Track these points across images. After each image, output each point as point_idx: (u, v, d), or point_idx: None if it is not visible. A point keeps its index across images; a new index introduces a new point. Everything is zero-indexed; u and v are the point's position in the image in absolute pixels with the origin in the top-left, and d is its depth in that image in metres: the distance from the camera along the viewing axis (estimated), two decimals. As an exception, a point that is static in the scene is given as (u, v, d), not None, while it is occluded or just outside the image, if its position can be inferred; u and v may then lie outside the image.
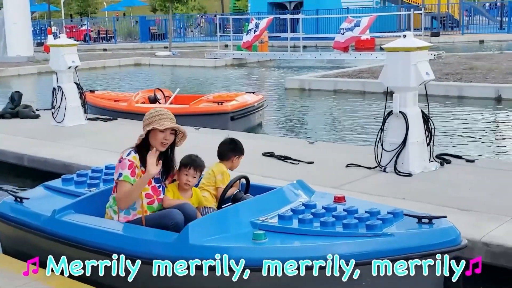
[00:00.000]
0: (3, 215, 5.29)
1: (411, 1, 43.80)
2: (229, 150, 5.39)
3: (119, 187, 4.73)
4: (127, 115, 11.74)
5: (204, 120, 10.98)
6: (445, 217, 4.30)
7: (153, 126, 4.69)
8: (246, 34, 28.62)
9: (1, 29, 31.14)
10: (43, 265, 4.66)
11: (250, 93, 12.90)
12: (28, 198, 5.35)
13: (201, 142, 7.99)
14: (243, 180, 5.22)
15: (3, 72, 25.71)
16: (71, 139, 9.75)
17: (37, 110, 12.74)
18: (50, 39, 22.77)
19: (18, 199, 5.29)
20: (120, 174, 4.71)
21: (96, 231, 4.56)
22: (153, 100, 12.59)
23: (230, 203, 4.89)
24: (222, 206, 4.88)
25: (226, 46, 33.53)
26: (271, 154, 8.35)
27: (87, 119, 11.41)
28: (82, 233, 4.62)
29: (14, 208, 5.25)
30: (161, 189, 4.89)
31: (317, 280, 3.98)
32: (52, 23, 50.98)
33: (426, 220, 4.19)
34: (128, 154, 4.78)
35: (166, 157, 4.91)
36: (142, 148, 4.78)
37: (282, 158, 8.16)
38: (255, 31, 27.92)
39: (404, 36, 7.22)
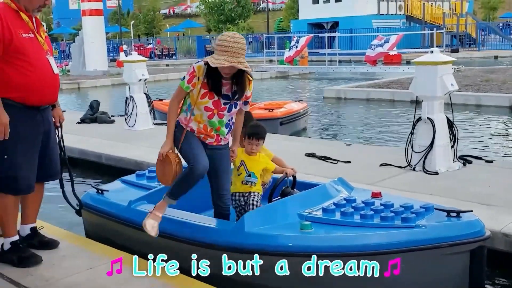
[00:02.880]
0: (87, 204, 5.37)
1: (434, 22, 43.39)
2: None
3: (177, 88, 4.44)
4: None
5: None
6: (471, 211, 4.22)
7: (209, 59, 4.16)
8: (289, 50, 28.63)
9: (80, 47, 31.71)
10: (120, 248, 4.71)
11: (296, 101, 12.89)
12: (107, 190, 5.42)
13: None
14: (290, 177, 5.19)
15: (83, 84, 26.19)
16: (141, 141, 9.84)
17: (112, 116, 12.91)
18: (122, 56, 23.03)
19: (100, 191, 5.37)
20: (183, 77, 4.38)
21: (165, 219, 4.58)
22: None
23: (280, 197, 4.87)
24: (273, 200, 4.86)
25: (271, 61, 33.55)
26: (312, 155, 8.31)
27: (154, 124, 11.51)
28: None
29: (96, 199, 5.32)
30: (228, 106, 4.38)
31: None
32: (123, 42, 51.70)
33: (454, 214, 4.11)
34: (197, 62, 4.39)
35: (238, 77, 4.32)
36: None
37: (323, 158, 8.12)
38: (296, 47, 27.92)
39: (432, 52, 7.18)
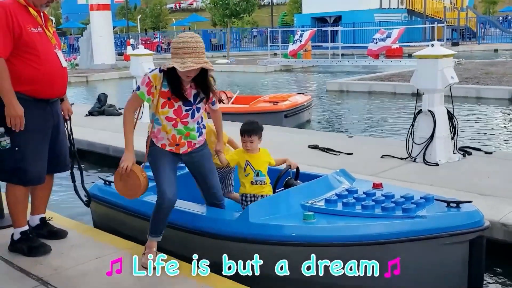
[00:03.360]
0: (95, 195, 5.37)
1: (435, 16, 43.21)
2: None
3: (131, 97, 4.19)
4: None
5: (262, 118, 10.92)
6: (471, 202, 4.20)
7: (174, 64, 3.84)
8: (292, 44, 28.57)
9: (88, 41, 31.73)
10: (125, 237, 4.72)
11: (300, 94, 12.86)
12: (115, 182, 5.41)
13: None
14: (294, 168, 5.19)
15: (91, 77, 26.22)
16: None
17: (120, 108, 12.90)
18: (129, 50, 23.05)
19: (107, 183, 5.36)
20: (138, 88, 4.09)
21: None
22: (218, 100, 12.62)
23: (283, 188, 4.87)
24: (276, 191, 4.85)
25: (275, 54, 33.48)
26: (315, 146, 8.31)
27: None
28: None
29: (103, 190, 5.32)
30: (190, 112, 4.12)
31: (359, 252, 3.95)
32: (130, 36, 51.66)
33: (454, 204, 4.09)
34: (152, 71, 4.10)
35: (200, 79, 4.07)
36: (172, 71, 3.93)
37: (325, 150, 8.11)
38: (300, 41, 27.85)
39: (432, 45, 7.15)
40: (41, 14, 4.42)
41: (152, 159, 4.28)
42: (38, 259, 4.41)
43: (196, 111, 4.17)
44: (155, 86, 4.04)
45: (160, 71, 4.03)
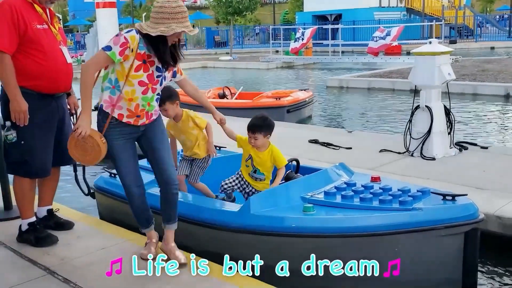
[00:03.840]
0: (100, 187, 5.39)
1: (433, 14, 43.09)
2: None
3: (95, 57, 3.77)
4: (200, 109, 11.62)
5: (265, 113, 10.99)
6: (466, 195, 4.22)
7: (160, 29, 3.58)
8: (294, 42, 28.51)
9: (95, 38, 31.65)
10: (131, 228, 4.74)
11: (302, 90, 12.86)
12: (119, 174, 5.42)
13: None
14: (294, 162, 5.20)
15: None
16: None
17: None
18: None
19: (112, 175, 5.37)
20: (109, 48, 3.66)
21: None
22: (222, 95, 12.59)
23: (284, 181, 4.88)
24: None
25: (277, 51, 33.41)
26: (315, 141, 8.31)
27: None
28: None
29: (109, 182, 5.33)
30: (160, 79, 3.83)
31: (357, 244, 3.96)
32: (135, 33, 51.50)
33: (450, 197, 4.11)
34: (128, 32, 3.70)
35: (173, 46, 3.80)
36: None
37: (325, 144, 8.12)
38: (302, 39, 27.78)
39: (430, 42, 7.16)
40: (47, 10, 4.43)
41: (109, 144, 3.89)
42: (45, 249, 4.44)
43: (164, 79, 3.89)
44: (131, 48, 3.67)
45: (137, 32, 3.69)
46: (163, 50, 3.72)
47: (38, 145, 4.37)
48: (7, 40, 4.12)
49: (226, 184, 4.82)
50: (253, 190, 4.74)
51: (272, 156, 4.62)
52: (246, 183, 4.76)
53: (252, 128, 4.53)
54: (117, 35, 3.71)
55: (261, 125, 4.54)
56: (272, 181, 4.77)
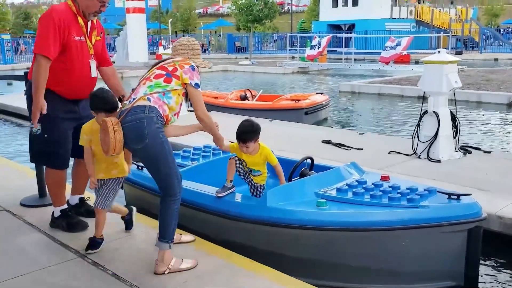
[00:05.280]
0: (128, 179, 5.39)
1: (441, 26, 42.81)
2: None
3: (200, 96, 3.75)
4: (223, 109, 11.54)
5: (284, 114, 10.98)
6: (470, 194, 4.19)
7: (202, 63, 3.86)
8: (310, 49, 28.48)
9: (124, 41, 31.93)
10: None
11: (319, 93, 12.82)
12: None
13: (272, 131, 7.99)
14: (309, 160, 5.19)
15: (125, 73, 26.32)
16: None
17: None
18: (161, 50, 23.15)
19: (139, 167, 5.40)
20: (198, 85, 3.70)
21: (198, 193, 4.62)
22: (244, 97, 12.57)
23: (299, 177, 4.87)
24: (292, 179, 4.86)
25: (293, 57, 33.36)
26: (328, 142, 8.30)
27: (188, 110, 11.52)
28: (187, 194, 4.65)
29: (136, 174, 5.35)
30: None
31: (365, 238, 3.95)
32: (161, 37, 51.79)
33: (455, 197, 4.08)
34: (191, 66, 3.73)
35: None
36: None
37: (338, 145, 8.10)
38: (318, 47, 27.75)
39: (439, 52, 7.10)
40: (88, 24, 4.43)
41: (162, 144, 3.57)
42: (76, 234, 4.48)
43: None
44: None
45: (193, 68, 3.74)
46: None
47: (59, 139, 4.43)
48: (51, 46, 4.15)
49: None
50: (253, 181, 4.62)
51: (264, 156, 4.42)
52: (245, 173, 4.63)
53: (243, 138, 4.30)
54: (193, 69, 3.71)
55: (249, 131, 4.30)
56: (289, 173, 4.77)
